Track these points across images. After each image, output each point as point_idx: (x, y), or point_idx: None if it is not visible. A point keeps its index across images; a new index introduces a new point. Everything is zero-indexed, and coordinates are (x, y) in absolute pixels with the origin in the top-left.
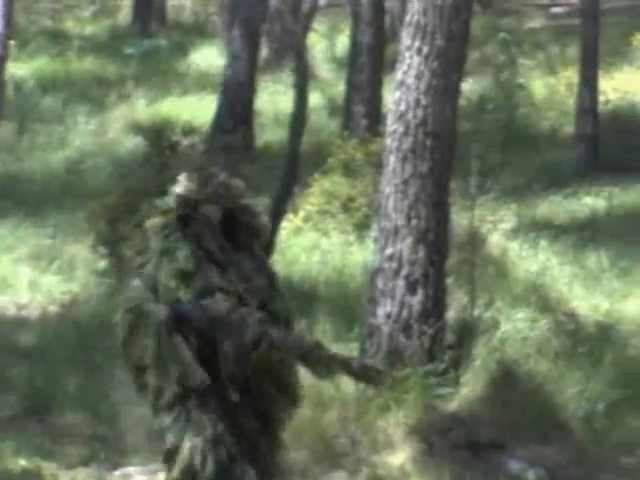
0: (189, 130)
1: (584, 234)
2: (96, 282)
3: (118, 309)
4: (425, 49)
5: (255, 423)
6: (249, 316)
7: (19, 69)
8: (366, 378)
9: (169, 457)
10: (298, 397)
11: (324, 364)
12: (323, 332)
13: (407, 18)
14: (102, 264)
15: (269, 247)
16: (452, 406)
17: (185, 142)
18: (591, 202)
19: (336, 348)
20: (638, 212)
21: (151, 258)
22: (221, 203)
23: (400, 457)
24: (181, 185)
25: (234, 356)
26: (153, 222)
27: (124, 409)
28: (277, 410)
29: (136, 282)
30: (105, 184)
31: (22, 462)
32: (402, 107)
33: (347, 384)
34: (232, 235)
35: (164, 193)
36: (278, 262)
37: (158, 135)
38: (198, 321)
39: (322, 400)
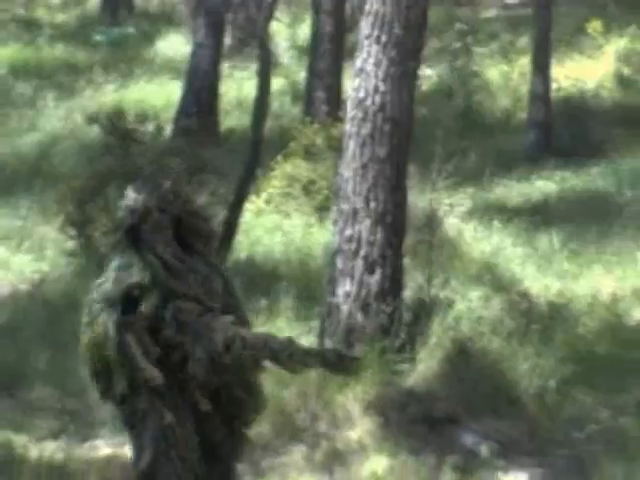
0: (144, 117)
1: (536, 217)
2: (65, 262)
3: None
4: (384, 38)
5: (222, 428)
6: (217, 319)
7: None
8: (342, 368)
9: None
10: (265, 399)
11: (298, 360)
12: (285, 310)
13: (366, 7)
14: (71, 244)
15: (231, 231)
16: (409, 382)
17: (150, 127)
18: (543, 186)
19: (297, 326)
20: (588, 195)
21: (108, 276)
22: (169, 210)
23: (358, 431)
24: (129, 197)
25: (207, 361)
26: (108, 240)
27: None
28: (246, 414)
29: (98, 296)
30: (73, 168)
31: None
32: (361, 94)
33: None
34: (184, 242)
35: (127, 177)
36: (242, 242)
37: (113, 124)
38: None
39: (283, 376)
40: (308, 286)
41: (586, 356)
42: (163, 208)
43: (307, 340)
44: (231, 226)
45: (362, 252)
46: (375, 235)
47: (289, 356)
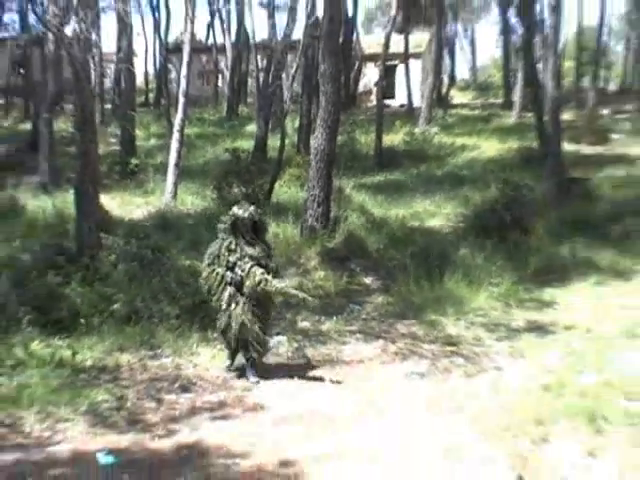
0: (242, 151)
1: (376, 189)
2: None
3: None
4: (324, 124)
5: (260, 311)
6: (257, 270)
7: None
8: (301, 300)
9: (223, 331)
10: (276, 306)
11: (290, 294)
12: (290, 221)
13: (319, 115)
14: (215, 196)
15: (270, 192)
16: (332, 245)
17: (243, 155)
18: (378, 178)
19: (293, 226)
20: (395, 182)
21: (218, 242)
22: (251, 218)
23: (313, 263)
24: (234, 210)
25: (250, 288)
26: (219, 226)
27: None
28: (269, 308)
29: (210, 250)
30: (217, 169)
31: None
32: (315, 143)
33: (294, 236)
34: (255, 233)
35: (237, 174)
36: (274, 196)
37: (233, 152)
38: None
39: (278, 237)
40: (297, 211)
41: (393, 237)
42: (250, 217)
43: (296, 231)
44: (271, 188)
45: (316, 200)
46: (321, 195)
47: (285, 292)
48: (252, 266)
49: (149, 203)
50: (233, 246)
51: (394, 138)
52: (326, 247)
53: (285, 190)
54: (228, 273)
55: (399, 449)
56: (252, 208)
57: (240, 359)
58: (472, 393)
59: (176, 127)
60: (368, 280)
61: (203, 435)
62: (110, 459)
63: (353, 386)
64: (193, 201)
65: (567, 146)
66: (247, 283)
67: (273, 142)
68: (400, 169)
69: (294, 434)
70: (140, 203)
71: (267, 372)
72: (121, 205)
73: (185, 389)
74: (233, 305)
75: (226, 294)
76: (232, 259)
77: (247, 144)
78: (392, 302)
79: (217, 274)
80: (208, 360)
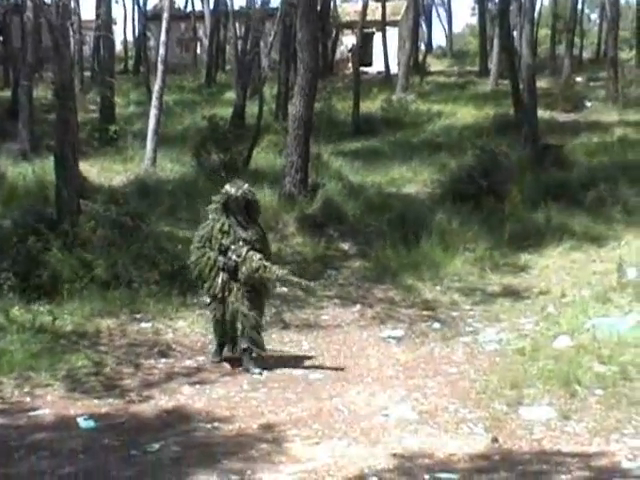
0: (220, 118)
1: (354, 155)
2: (191, 169)
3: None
4: (303, 91)
5: (255, 298)
6: (255, 255)
7: None
8: (301, 288)
9: (218, 320)
10: (271, 292)
11: (288, 281)
12: (268, 186)
13: (297, 82)
14: (193, 163)
15: (248, 159)
16: (310, 211)
17: (221, 122)
18: (356, 145)
19: (273, 192)
20: (372, 149)
21: (209, 223)
22: (244, 197)
23: (291, 229)
24: (226, 188)
25: (247, 274)
26: (210, 206)
27: None
28: (263, 296)
29: (201, 232)
30: (195, 136)
31: None
32: (293, 110)
33: (272, 203)
34: (248, 214)
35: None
36: (253, 160)
37: (210, 120)
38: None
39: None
40: (275, 178)
41: (370, 203)
42: (243, 196)
43: (274, 198)
44: (249, 155)
45: (294, 166)
46: (298, 161)
47: (284, 279)
48: (248, 250)
49: (128, 170)
50: (226, 228)
51: (371, 105)
52: (304, 213)
53: (263, 157)
54: (221, 258)
55: (375, 412)
56: (246, 186)
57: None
58: (448, 357)
59: (155, 94)
60: (345, 246)
61: (182, 400)
62: (91, 423)
63: (331, 350)
64: (172, 168)
65: (542, 113)
66: (243, 269)
67: (251, 109)
68: (377, 136)
69: (273, 398)
70: (119, 170)
71: None
72: (100, 172)
73: (164, 354)
74: (227, 292)
75: (219, 280)
76: (225, 242)
77: (225, 111)
78: (369, 267)
79: (208, 258)
80: (187, 325)
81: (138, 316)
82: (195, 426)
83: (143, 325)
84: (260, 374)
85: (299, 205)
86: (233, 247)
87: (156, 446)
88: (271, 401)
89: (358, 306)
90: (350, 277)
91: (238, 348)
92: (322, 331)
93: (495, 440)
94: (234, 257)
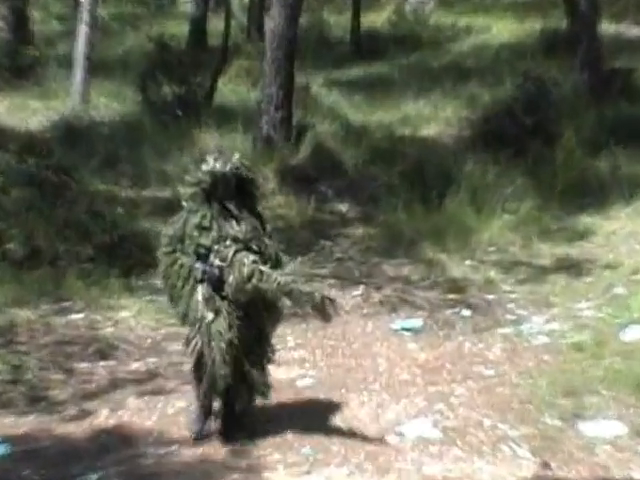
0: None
1: (353, 85)
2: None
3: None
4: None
5: (252, 332)
6: (246, 257)
7: None
8: (323, 311)
9: (197, 364)
10: (280, 315)
11: (295, 296)
12: (238, 126)
13: None
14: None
15: (212, 93)
16: (295, 161)
17: (172, 43)
18: (356, 72)
19: (242, 135)
20: (377, 76)
21: (182, 216)
22: (236, 174)
23: (271, 185)
24: (208, 162)
25: (236, 286)
26: (185, 191)
27: None
28: (266, 320)
29: (170, 231)
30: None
31: None
32: (271, 25)
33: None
34: (242, 200)
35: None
36: (217, 96)
37: (158, 41)
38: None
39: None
40: (248, 118)
41: (376, 150)
42: (233, 173)
43: (247, 143)
44: (213, 87)
45: (273, 101)
46: (279, 94)
47: (289, 292)
48: (237, 251)
49: (51, 108)
50: (207, 222)
51: (377, 18)
52: (287, 164)
53: (232, 89)
54: (198, 265)
55: (386, 430)
56: (236, 158)
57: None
58: (482, 355)
59: (85, 6)
60: (343, 207)
61: (128, 416)
62: (6, 449)
63: (326, 348)
64: (109, 105)
65: (606, 27)
66: (230, 279)
67: (215, 25)
68: (385, 59)
69: None
70: (38, 108)
71: None
72: (12, 110)
73: (103, 355)
74: (210, 316)
75: (198, 298)
76: (205, 242)
77: (180, 29)
78: (376, 235)
79: (181, 267)
80: (133, 316)
81: (66, 305)
82: (144, 451)
83: (73, 317)
84: (254, 444)
85: (280, 153)
86: (217, 248)
87: (93, 478)
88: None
89: (361, 288)
90: (350, 249)
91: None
92: (313, 322)
93: (546, 465)
94: (217, 262)
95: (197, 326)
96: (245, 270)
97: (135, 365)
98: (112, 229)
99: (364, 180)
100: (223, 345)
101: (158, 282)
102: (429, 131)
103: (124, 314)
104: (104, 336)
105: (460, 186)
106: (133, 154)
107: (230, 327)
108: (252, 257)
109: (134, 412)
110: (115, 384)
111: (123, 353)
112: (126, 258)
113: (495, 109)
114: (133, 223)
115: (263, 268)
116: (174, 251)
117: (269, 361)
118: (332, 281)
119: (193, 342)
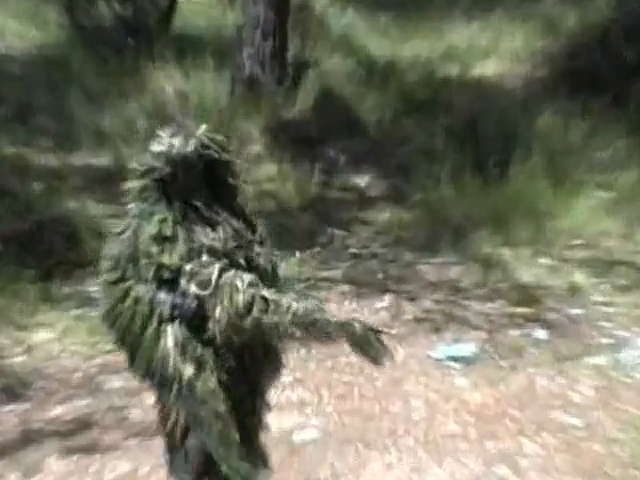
0: None
1: (372, 1)
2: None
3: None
4: None
5: (244, 387)
6: (240, 278)
7: None
8: (368, 347)
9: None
10: (283, 365)
11: (322, 329)
12: (207, 66)
13: None
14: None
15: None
16: (291, 114)
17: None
18: None
19: (215, 76)
20: None
21: (129, 225)
22: (205, 156)
23: (257, 147)
24: (163, 141)
25: (226, 324)
26: (131, 185)
27: None
28: (263, 377)
29: (113, 250)
30: None
31: None
32: None
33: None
34: (215, 193)
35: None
36: (177, 19)
37: None
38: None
39: (187, 100)
40: (223, 50)
41: (410, 98)
42: (200, 154)
43: (222, 87)
44: (172, 6)
45: (260, 27)
46: (268, 14)
47: (312, 323)
48: (223, 270)
49: None
50: (168, 230)
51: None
52: (281, 118)
53: (198, 10)
54: (164, 296)
55: None
56: (203, 130)
57: None
58: (564, 395)
59: None
60: (362, 181)
61: None
62: None
63: (335, 385)
64: (22, 32)
65: None
66: (217, 313)
67: None
68: None
69: None
70: None
71: None
72: None
73: (11, 396)
74: (189, 370)
75: (167, 344)
76: (170, 260)
77: None
78: (409, 222)
79: (136, 301)
80: (56, 339)
81: None
82: None
83: None
84: None
85: (270, 102)
86: (189, 268)
87: None
88: None
89: (388, 298)
90: (371, 242)
91: None
92: (317, 348)
93: None
94: (193, 289)
95: (173, 388)
96: (240, 298)
97: (58, 410)
98: (25, 212)
99: (392, 142)
100: (222, 409)
101: (92, 288)
102: (487, 70)
103: (43, 336)
104: (12, 368)
105: (531, 150)
106: (55, 103)
107: (215, 391)
108: (248, 278)
109: (57, 478)
110: (28, 437)
111: (41, 392)
112: (45, 254)
113: (584, 38)
114: (55, 204)
115: (267, 294)
116: (123, 279)
117: (263, 428)
118: (345, 287)
119: (172, 415)
